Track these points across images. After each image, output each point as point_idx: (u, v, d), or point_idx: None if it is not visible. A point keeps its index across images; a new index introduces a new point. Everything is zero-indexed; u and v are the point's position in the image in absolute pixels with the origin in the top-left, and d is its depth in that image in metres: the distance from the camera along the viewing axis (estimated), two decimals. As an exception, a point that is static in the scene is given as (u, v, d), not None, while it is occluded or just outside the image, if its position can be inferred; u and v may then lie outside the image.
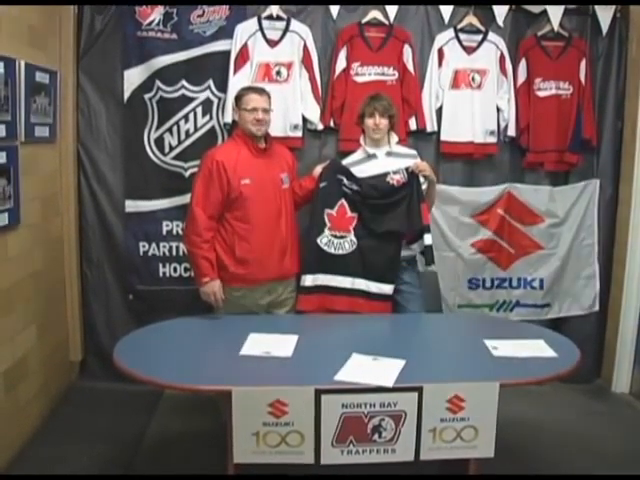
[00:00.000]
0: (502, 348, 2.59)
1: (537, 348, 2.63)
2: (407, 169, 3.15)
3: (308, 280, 3.17)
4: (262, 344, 2.60)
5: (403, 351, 2.52)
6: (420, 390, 2.23)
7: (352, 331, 2.91)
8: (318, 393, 2.19)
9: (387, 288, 3.16)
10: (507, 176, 3.94)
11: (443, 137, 3.80)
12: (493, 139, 3.84)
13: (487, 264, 3.99)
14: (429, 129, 3.79)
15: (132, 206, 3.75)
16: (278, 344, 2.60)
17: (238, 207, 3.02)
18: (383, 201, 3.14)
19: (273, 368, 2.41)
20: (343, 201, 3.17)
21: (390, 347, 2.60)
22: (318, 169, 3.25)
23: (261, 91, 3.10)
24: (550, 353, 2.57)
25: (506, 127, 3.85)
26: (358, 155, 3.26)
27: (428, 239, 3.15)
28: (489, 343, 2.64)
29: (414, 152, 3.33)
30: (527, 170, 3.97)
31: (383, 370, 2.34)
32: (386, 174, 3.15)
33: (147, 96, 3.67)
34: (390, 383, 2.24)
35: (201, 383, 2.29)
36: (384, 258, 3.16)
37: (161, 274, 3.82)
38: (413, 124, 3.77)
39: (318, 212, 3.18)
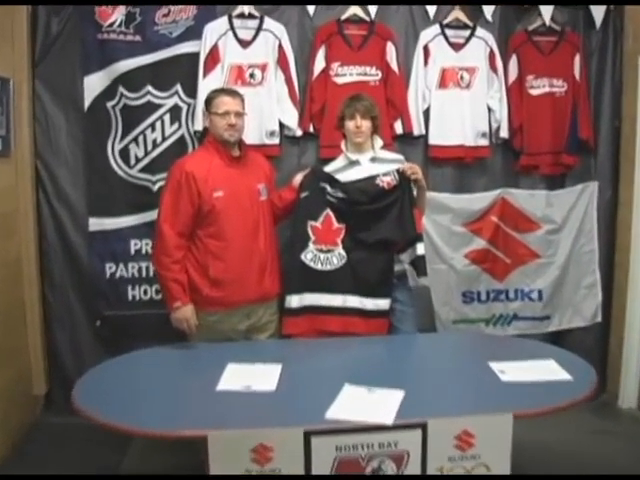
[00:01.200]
0: (510, 372, 2.35)
1: (549, 370, 2.38)
2: (398, 170, 2.89)
3: (294, 301, 2.88)
4: (241, 376, 2.31)
5: (401, 379, 2.26)
6: (424, 427, 1.95)
7: (341, 357, 2.62)
8: (307, 435, 1.91)
9: (383, 303, 2.88)
10: (500, 181, 3.72)
11: (431, 141, 3.57)
12: (485, 141, 3.61)
13: (482, 276, 3.75)
14: (416, 132, 3.55)
15: (96, 224, 3.45)
16: (260, 376, 2.31)
17: (211, 222, 2.73)
18: (373, 206, 2.87)
19: (255, 406, 2.11)
20: (328, 211, 2.90)
21: (386, 375, 2.33)
22: (298, 178, 2.97)
23: (234, 93, 2.82)
24: (564, 376, 2.32)
25: (498, 128, 3.62)
26: (339, 162, 2.99)
27: (421, 248, 2.89)
28: (495, 366, 2.39)
29: (401, 157, 3.07)
30: (521, 174, 3.75)
31: (380, 404, 2.06)
32: (375, 177, 2.89)
33: (110, 104, 3.39)
34: (389, 420, 1.96)
35: (173, 427, 1.98)
36: (377, 271, 2.89)
37: (130, 297, 3.52)
38: (399, 127, 3.52)
39: (301, 225, 2.91)
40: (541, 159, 3.68)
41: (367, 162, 2.94)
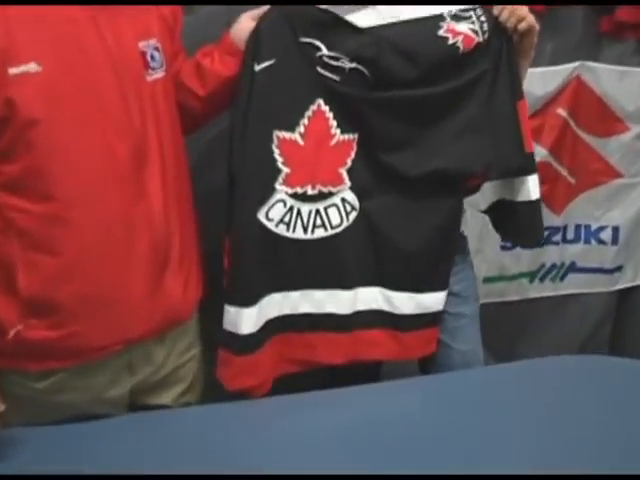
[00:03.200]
0: None
1: None
2: (487, 12, 1.30)
3: (246, 320, 1.30)
4: None
5: None
6: None
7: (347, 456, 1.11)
8: None
9: (434, 301, 1.42)
10: (578, 49, 2.26)
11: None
12: (563, -26, 2.13)
13: (533, 206, 2.38)
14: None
15: None
16: None
17: (13, 150, 1.06)
18: (427, 91, 1.30)
19: None
20: (320, 104, 1.29)
21: None
22: (245, 25, 1.28)
23: None
24: None
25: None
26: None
27: (534, 186, 1.40)
28: None
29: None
30: (609, 38, 2.31)
31: None
32: (435, 20, 1.29)
33: None
34: None
35: None
36: (426, 237, 1.39)
37: None
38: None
39: (255, 139, 1.27)
40: (647, 13, 2.25)
41: (406, -5, 1.33)
